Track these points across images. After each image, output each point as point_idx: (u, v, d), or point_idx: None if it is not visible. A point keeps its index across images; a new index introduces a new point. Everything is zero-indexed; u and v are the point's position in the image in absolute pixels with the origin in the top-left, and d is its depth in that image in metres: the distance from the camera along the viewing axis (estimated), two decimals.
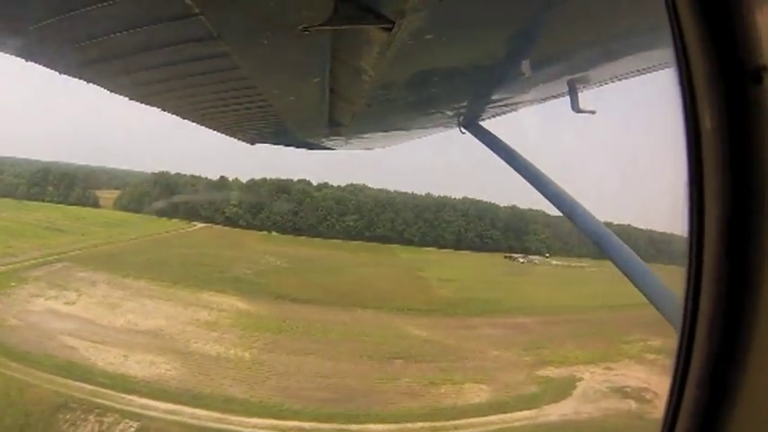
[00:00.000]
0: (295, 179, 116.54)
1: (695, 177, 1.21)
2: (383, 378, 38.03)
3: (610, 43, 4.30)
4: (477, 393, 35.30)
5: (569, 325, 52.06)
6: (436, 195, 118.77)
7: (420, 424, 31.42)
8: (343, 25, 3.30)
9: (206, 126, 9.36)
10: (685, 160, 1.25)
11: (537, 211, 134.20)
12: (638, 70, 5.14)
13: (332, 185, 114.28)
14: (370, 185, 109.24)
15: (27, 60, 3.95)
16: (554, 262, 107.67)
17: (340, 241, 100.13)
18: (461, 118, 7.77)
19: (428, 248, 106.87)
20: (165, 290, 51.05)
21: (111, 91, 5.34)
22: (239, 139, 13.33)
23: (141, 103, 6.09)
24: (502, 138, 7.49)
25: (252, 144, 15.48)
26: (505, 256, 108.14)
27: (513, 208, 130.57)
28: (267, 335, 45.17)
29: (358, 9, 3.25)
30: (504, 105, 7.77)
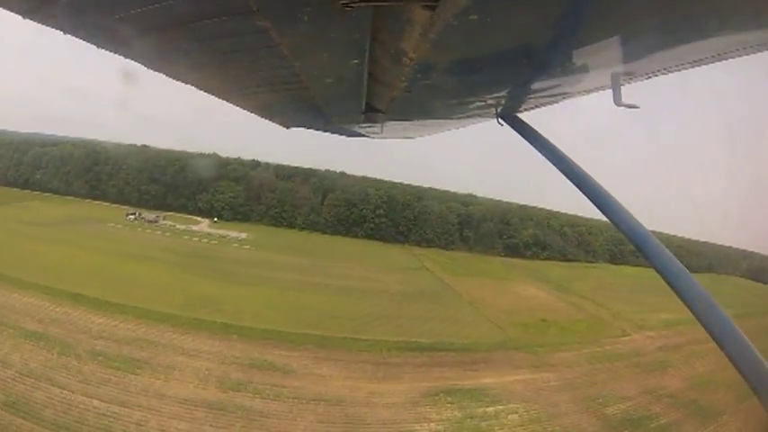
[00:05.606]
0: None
1: None
2: None
3: (658, 34, 4.03)
4: None
5: None
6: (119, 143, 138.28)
7: None
8: (386, 1, 3.17)
9: (241, 107, 9.33)
10: None
11: (246, 161, 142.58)
12: (691, 62, 4.81)
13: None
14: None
15: (64, 33, 3.92)
16: (194, 227, 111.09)
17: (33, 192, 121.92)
18: (500, 108, 7.54)
19: (96, 201, 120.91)
20: None
21: (147, 67, 5.31)
22: (275, 122, 13.33)
23: (173, 79, 6.05)
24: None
25: (287, 128, 15.50)
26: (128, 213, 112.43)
27: (195, 156, 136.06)
28: None
29: None
30: (546, 96, 7.52)
